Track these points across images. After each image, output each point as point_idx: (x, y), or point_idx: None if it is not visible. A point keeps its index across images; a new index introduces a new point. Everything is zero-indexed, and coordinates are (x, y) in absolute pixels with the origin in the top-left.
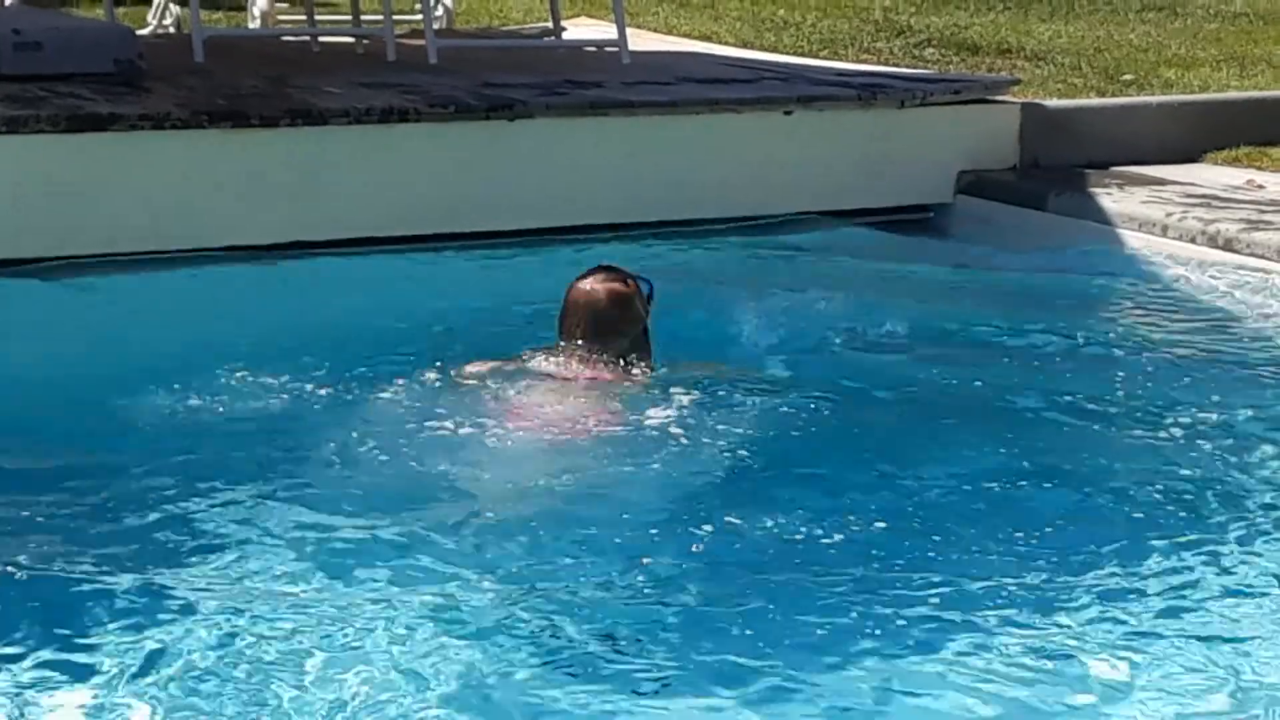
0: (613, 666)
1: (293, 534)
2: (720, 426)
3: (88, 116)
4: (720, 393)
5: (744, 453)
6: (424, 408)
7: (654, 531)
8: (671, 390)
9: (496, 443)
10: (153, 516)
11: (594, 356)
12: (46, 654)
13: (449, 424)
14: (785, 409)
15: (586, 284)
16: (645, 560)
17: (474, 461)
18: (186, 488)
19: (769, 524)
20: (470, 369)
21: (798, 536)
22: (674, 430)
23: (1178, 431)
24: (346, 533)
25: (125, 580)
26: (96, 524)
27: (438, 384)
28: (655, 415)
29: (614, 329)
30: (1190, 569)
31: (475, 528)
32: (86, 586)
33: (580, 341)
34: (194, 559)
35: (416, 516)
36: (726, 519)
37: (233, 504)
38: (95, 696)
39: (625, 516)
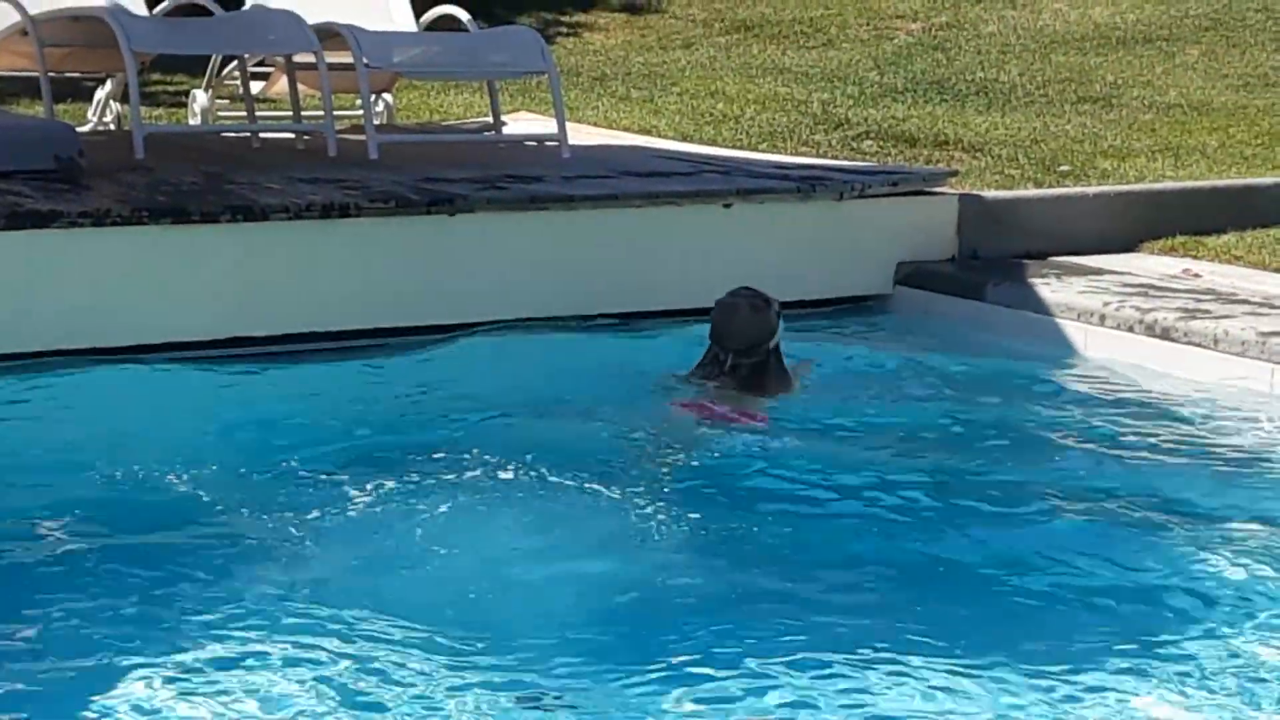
0: None
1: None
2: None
3: (28, 214)
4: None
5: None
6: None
7: None
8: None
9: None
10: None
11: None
12: None
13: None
14: (716, 502)
15: (728, 298)
16: None
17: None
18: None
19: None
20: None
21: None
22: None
23: (1121, 517)
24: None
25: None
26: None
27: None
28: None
29: (753, 336)
30: (1139, 646)
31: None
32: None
33: (728, 353)
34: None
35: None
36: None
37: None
38: None
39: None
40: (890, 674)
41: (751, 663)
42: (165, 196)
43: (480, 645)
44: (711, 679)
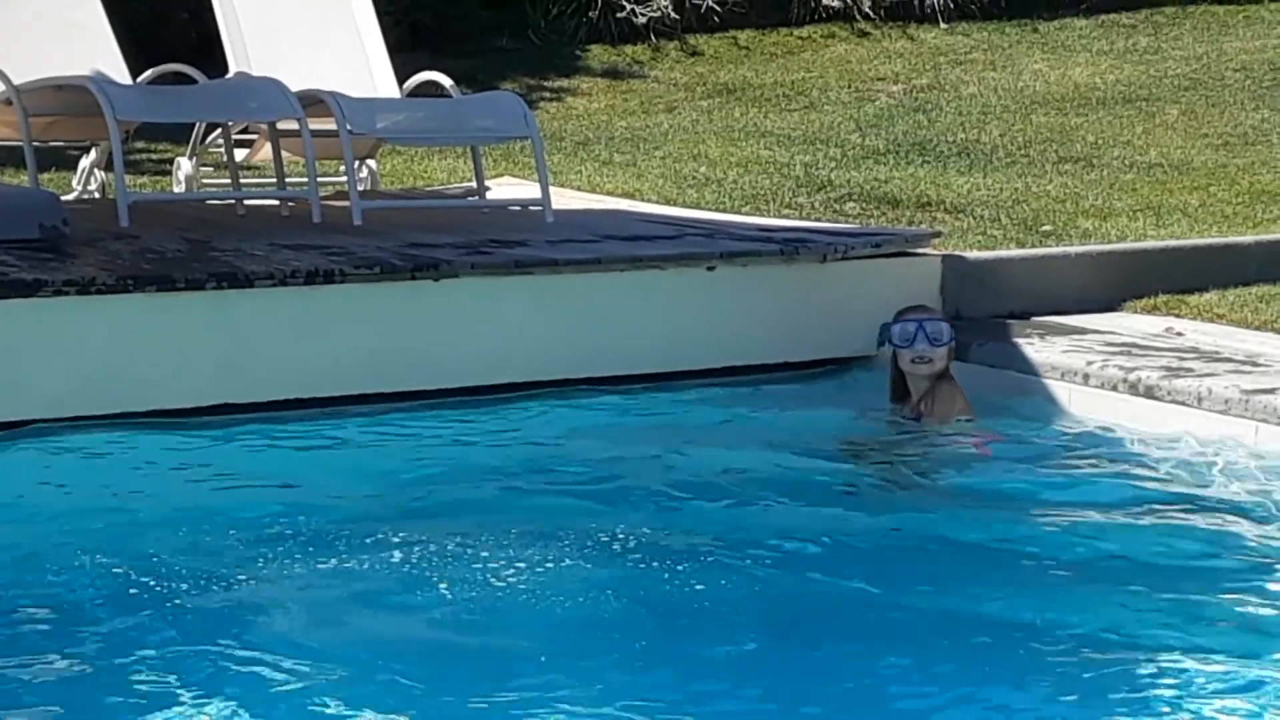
0: None
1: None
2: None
3: (12, 283)
4: None
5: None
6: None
7: None
8: None
9: None
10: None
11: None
12: None
13: None
14: (707, 565)
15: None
16: None
17: None
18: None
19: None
20: None
21: None
22: None
23: (1105, 576)
24: None
25: None
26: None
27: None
28: None
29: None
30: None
31: None
32: None
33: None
34: None
35: None
36: None
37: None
38: None
39: None
40: None
41: None
42: (150, 264)
43: None
44: None
